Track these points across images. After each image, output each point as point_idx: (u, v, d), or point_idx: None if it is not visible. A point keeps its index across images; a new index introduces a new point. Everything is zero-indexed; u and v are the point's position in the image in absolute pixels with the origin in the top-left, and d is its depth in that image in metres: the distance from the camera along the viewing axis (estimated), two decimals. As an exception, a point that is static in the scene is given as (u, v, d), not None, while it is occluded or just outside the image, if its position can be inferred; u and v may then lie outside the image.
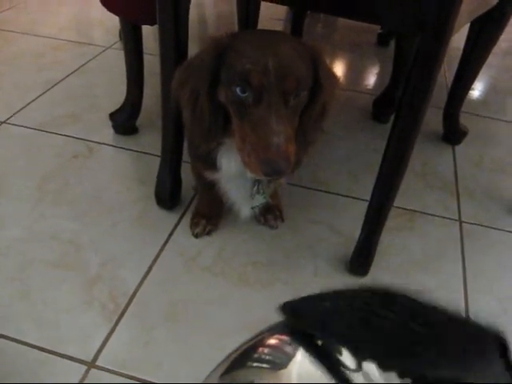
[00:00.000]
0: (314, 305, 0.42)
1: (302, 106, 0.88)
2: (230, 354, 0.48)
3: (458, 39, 1.50)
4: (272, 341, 0.45)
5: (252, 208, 1.14)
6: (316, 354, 0.38)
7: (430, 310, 0.41)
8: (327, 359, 0.37)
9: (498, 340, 0.37)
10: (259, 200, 1.11)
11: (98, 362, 0.93)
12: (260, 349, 0.45)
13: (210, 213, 1.24)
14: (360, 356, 0.36)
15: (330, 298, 0.43)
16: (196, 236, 1.22)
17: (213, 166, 1.03)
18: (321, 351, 0.38)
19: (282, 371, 0.41)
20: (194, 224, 1.24)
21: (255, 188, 1.08)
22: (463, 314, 1.07)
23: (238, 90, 0.83)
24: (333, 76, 0.95)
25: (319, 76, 0.89)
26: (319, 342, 0.39)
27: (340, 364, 0.37)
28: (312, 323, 0.39)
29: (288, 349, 0.42)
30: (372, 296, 0.43)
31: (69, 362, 0.93)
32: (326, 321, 0.39)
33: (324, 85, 0.90)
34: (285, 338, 0.44)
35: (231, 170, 1.02)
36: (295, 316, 0.41)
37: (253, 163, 0.82)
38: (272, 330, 0.47)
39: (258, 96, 0.82)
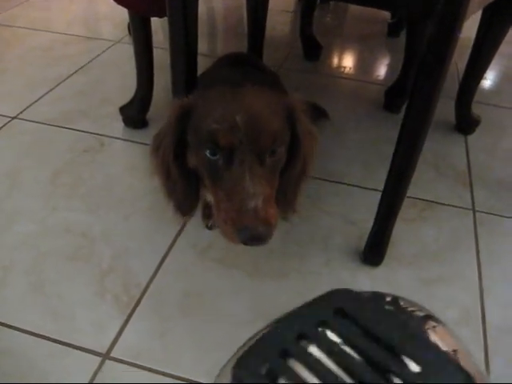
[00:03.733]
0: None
1: (281, 163, 0.83)
2: (245, 343, 0.47)
3: (470, 28, 1.48)
4: None
5: None
6: None
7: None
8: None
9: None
10: None
11: (113, 354, 0.94)
12: None
13: None
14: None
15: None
16: (210, 228, 1.22)
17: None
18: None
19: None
20: (206, 216, 1.23)
21: None
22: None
23: (207, 152, 0.78)
24: (311, 130, 0.89)
25: (297, 131, 0.85)
26: None
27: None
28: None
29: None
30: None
31: (83, 353, 0.94)
32: None
33: (303, 140, 0.85)
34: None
35: None
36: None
37: (229, 232, 0.76)
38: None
39: (229, 157, 0.76)
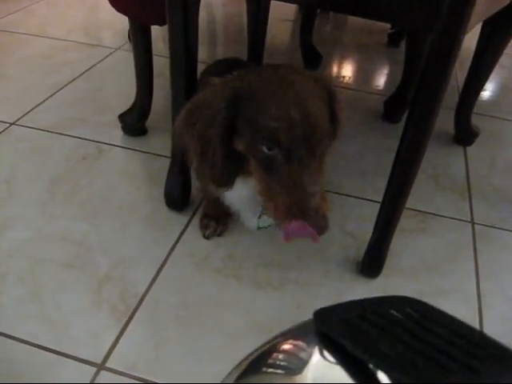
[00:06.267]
0: (347, 312, 0.41)
1: (325, 151, 0.85)
2: (244, 360, 0.47)
3: (470, 40, 1.49)
4: (286, 346, 0.44)
5: (258, 228, 1.13)
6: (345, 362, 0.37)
7: (475, 337, 0.39)
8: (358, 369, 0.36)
9: None
10: (266, 221, 1.10)
11: (108, 364, 0.93)
12: (274, 354, 0.44)
13: (220, 214, 1.23)
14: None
15: (362, 307, 0.42)
16: (207, 238, 1.21)
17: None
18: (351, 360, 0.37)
19: (297, 377, 0.40)
20: (203, 226, 1.22)
21: (261, 210, 1.06)
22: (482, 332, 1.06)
23: (264, 147, 0.79)
24: (343, 107, 0.91)
25: (336, 114, 0.87)
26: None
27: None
28: (339, 333, 0.38)
29: (303, 354, 0.42)
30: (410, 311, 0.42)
31: (79, 363, 0.93)
32: (353, 332, 0.38)
33: (340, 122, 0.88)
34: (299, 343, 0.44)
35: (242, 194, 1.00)
36: (324, 322, 0.40)
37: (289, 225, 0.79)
38: (286, 335, 0.46)
39: (287, 153, 0.78)
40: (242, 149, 0.84)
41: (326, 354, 0.39)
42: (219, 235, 1.23)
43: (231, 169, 0.89)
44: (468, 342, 0.38)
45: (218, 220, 1.23)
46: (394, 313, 0.40)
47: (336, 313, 0.41)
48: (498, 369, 0.35)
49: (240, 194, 1.00)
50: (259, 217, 1.09)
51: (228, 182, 0.91)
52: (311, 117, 0.79)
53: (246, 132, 0.82)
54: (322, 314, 0.41)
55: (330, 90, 0.87)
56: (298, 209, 0.77)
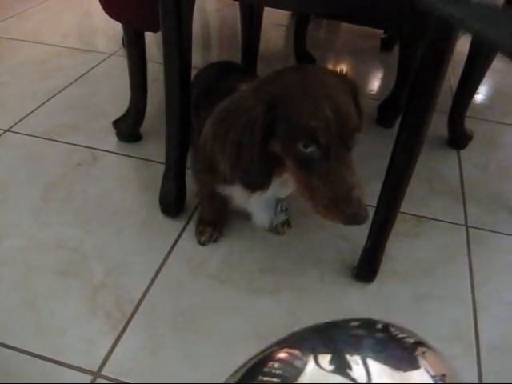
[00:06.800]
0: None
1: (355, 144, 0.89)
2: (240, 368, 0.47)
3: (463, 44, 1.49)
4: (282, 355, 0.45)
5: (275, 226, 1.17)
6: None
7: None
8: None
9: None
10: (281, 217, 1.14)
11: (104, 372, 0.93)
12: (270, 363, 0.44)
13: (215, 219, 1.23)
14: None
15: None
16: (203, 244, 1.21)
17: (231, 182, 1.01)
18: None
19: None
20: (199, 232, 1.23)
21: (279, 207, 1.10)
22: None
23: (301, 146, 0.82)
24: (361, 103, 0.96)
25: (360, 108, 0.91)
26: None
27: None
28: None
29: (298, 363, 0.42)
30: None
31: (74, 371, 0.93)
32: None
33: (362, 114, 0.92)
34: (294, 351, 0.44)
35: (265, 195, 1.01)
36: None
37: (336, 216, 0.83)
38: (281, 344, 0.47)
39: (325, 150, 0.81)
40: (278, 150, 0.86)
41: (320, 362, 0.39)
42: (215, 241, 1.23)
43: (267, 172, 0.91)
44: None
45: (214, 226, 1.23)
46: None
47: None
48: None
49: (263, 196, 1.02)
50: (276, 214, 1.12)
51: (264, 186, 0.94)
52: (344, 113, 0.82)
53: (283, 133, 0.84)
54: None
55: (353, 86, 0.92)
56: (342, 201, 0.81)
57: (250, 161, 0.87)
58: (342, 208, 0.81)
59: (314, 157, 0.82)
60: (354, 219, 0.82)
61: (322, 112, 0.80)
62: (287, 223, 1.27)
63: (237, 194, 1.06)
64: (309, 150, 0.81)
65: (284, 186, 0.99)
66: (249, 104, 0.85)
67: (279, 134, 0.84)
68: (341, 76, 0.92)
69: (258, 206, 1.11)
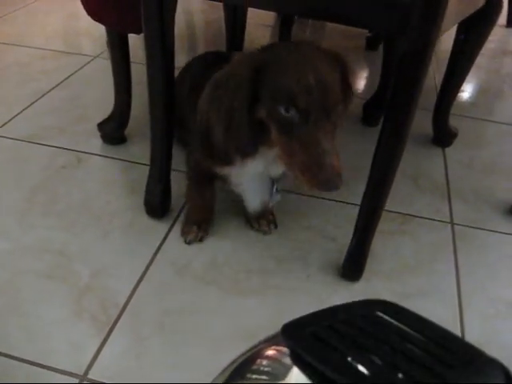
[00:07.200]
0: (313, 325, 0.41)
1: (339, 118, 0.92)
2: (228, 366, 0.47)
3: (447, 41, 1.50)
4: (270, 352, 0.44)
5: (271, 205, 1.19)
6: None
7: (437, 340, 0.39)
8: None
9: (503, 370, 0.37)
10: (276, 198, 1.16)
11: (90, 375, 0.92)
12: (258, 360, 0.44)
13: (201, 218, 1.24)
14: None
15: (328, 316, 0.42)
16: (188, 243, 1.21)
17: (229, 162, 1.05)
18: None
19: (281, 382, 0.40)
20: (185, 232, 1.23)
21: (275, 187, 1.13)
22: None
23: (282, 109, 0.85)
24: (352, 82, 1.00)
25: (348, 84, 0.95)
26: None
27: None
28: (306, 347, 0.39)
29: (286, 360, 0.42)
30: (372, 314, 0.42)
31: (60, 375, 0.92)
32: (321, 347, 0.38)
33: (351, 92, 0.97)
34: (282, 348, 0.44)
35: (256, 171, 1.06)
36: (291, 336, 0.40)
37: (309, 181, 0.86)
38: (269, 341, 0.46)
39: (305, 116, 0.84)
40: (263, 115, 0.89)
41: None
42: (200, 240, 1.23)
43: (255, 138, 0.94)
44: (441, 347, 0.38)
45: (200, 225, 1.23)
46: (366, 321, 0.40)
47: (304, 325, 0.41)
48: (466, 375, 0.35)
49: (254, 171, 1.06)
50: (271, 194, 1.15)
51: (253, 151, 0.97)
52: (326, 84, 0.85)
53: (267, 98, 0.87)
54: (290, 328, 0.41)
55: (344, 65, 0.95)
56: (315, 165, 0.84)
57: (239, 124, 0.91)
58: (315, 172, 0.84)
59: (294, 121, 0.85)
60: (325, 184, 0.85)
61: (304, 79, 0.84)
62: (273, 223, 1.28)
63: (233, 173, 1.10)
64: (289, 113, 0.84)
65: (276, 162, 1.01)
66: (237, 69, 0.90)
67: (264, 99, 0.88)
68: (332, 54, 0.95)
69: (252, 185, 1.13)
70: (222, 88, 0.91)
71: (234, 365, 0.45)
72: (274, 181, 1.14)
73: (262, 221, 1.27)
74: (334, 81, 0.88)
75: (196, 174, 1.22)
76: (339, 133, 0.94)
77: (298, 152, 0.86)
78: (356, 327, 0.39)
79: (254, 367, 0.43)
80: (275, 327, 0.47)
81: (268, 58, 0.89)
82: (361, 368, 0.34)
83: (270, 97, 0.87)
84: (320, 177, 0.84)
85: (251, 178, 1.11)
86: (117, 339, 0.99)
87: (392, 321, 0.41)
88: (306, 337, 0.39)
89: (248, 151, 0.97)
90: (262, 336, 0.48)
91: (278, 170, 1.08)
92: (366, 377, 0.34)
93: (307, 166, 0.85)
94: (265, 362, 0.43)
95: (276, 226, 1.28)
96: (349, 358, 0.36)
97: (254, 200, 1.18)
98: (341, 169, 0.85)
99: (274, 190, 1.14)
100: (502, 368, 0.36)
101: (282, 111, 0.85)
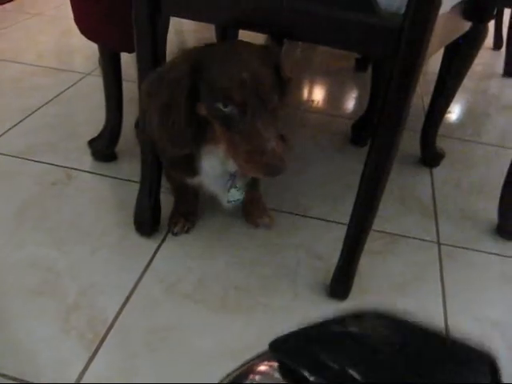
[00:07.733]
0: (301, 341, 0.42)
1: (278, 107, 0.96)
2: (221, 381, 0.47)
3: (435, 63, 1.53)
4: (262, 367, 0.45)
5: (228, 202, 1.19)
6: None
7: (418, 335, 0.40)
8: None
9: (489, 361, 0.38)
10: (235, 195, 1.17)
11: (77, 393, 0.92)
12: (251, 375, 0.45)
13: (187, 211, 1.31)
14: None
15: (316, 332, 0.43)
16: (175, 235, 1.28)
17: (192, 171, 1.10)
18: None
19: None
20: (172, 223, 1.29)
21: (229, 183, 1.14)
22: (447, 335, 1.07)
23: (221, 105, 0.89)
24: (289, 74, 1.03)
25: (282, 76, 0.99)
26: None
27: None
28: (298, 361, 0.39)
29: (277, 375, 0.43)
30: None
31: (46, 393, 0.92)
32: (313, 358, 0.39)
33: (287, 83, 1.01)
34: (274, 364, 0.45)
35: (213, 172, 1.10)
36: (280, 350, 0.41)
37: (253, 168, 0.90)
38: (261, 357, 0.47)
39: (243, 109, 0.88)
40: (204, 112, 0.94)
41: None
42: (187, 232, 1.30)
43: (192, 133, 0.97)
44: (436, 350, 0.39)
45: (186, 217, 1.30)
46: (358, 331, 0.41)
47: (293, 340, 0.42)
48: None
49: (211, 165, 1.09)
50: (228, 191, 1.15)
51: (186, 144, 0.99)
52: (259, 76, 0.90)
53: (206, 96, 0.92)
54: (278, 342, 0.42)
55: (276, 60, 0.99)
56: (257, 153, 0.88)
57: (176, 118, 0.94)
58: (258, 159, 0.88)
59: (233, 115, 0.89)
60: (269, 169, 0.88)
61: (237, 74, 0.88)
62: (266, 213, 1.35)
63: (196, 179, 1.14)
64: (228, 108, 0.89)
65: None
66: (176, 65, 0.93)
67: (203, 96, 0.92)
68: (266, 49, 0.98)
69: (215, 181, 1.16)
70: (160, 81, 0.95)
71: (227, 380, 0.46)
72: (231, 176, 1.14)
73: (252, 217, 1.35)
74: (267, 73, 0.92)
75: (171, 182, 1.30)
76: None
77: (240, 143, 0.90)
78: (349, 339, 0.40)
79: (247, 382, 0.44)
80: (263, 346, 0.48)
81: (205, 56, 0.93)
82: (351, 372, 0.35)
83: (207, 94, 0.91)
84: (262, 162, 0.87)
85: (213, 176, 1.13)
86: (104, 357, 0.99)
87: (389, 334, 0.42)
88: (292, 348, 0.40)
89: (181, 143, 0.99)
90: (250, 355, 0.48)
91: (233, 164, 1.09)
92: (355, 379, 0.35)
93: (250, 154, 0.89)
94: (257, 378, 0.44)
95: (270, 218, 1.36)
96: (335, 365, 0.37)
97: (222, 195, 1.20)
98: (283, 154, 0.88)
99: (229, 184, 1.15)
100: (488, 357, 0.37)
101: (221, 107, 0.89)
